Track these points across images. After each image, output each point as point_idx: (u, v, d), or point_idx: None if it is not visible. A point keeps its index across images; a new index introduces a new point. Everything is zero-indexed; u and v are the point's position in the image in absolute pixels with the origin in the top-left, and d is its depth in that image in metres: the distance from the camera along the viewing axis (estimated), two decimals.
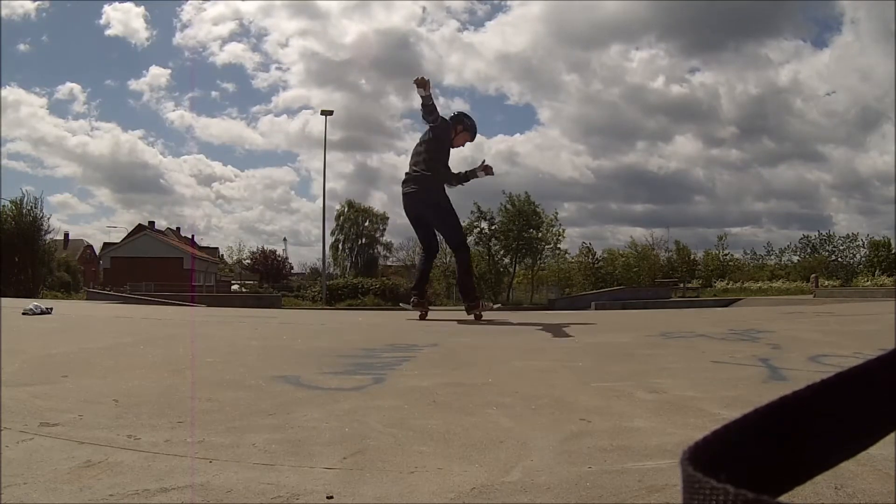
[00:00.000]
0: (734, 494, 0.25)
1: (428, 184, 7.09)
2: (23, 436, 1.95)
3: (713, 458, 0.27)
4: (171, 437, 1.97)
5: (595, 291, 25.80)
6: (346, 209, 40.18)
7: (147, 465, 1.68)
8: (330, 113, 30.99)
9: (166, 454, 1.79)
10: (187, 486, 1.53)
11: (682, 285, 26.81)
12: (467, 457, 1.77)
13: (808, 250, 30.84)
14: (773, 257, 32.70)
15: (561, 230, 29.20)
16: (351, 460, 1.74)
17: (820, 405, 0.30)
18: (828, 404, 0.30)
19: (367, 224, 40.29)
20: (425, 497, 1.48)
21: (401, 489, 1.53)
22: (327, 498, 1.46)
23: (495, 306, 9.27)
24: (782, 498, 0.29)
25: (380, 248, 40.55)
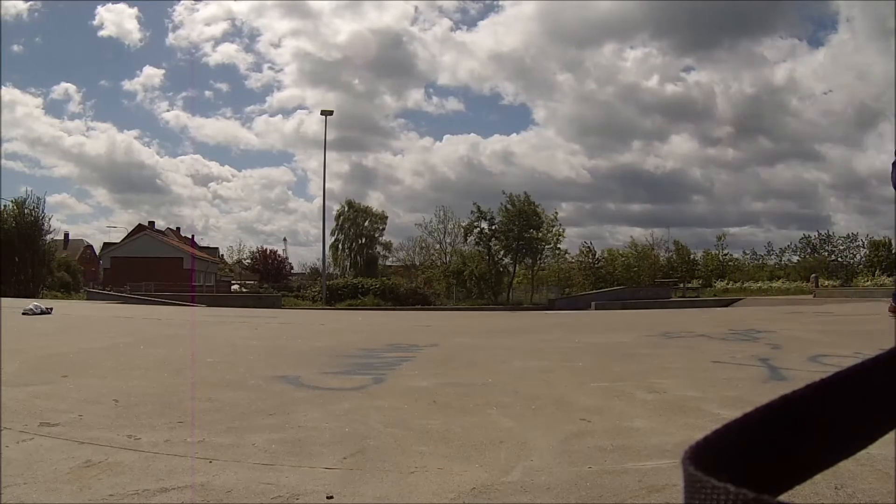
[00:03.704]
0: (734, 493, 0.25)
1: None
2: (23, 436, 1.95)
3: (714, 457, 0.28)
4: (171, 437, 1.97)
5: (595, 291, 25.76)
6: (345, 209, 40.22)
7: (147, 465, 1.68)
8: (330, 113, 30.90)
9: (166, 454, 1.79)
10: (187, 486, 1.53)
11: (682, 285, 26.77)
12: (467, 457, 1.77)
13: (808, 250, 30.84)
14: (773, 257, 32.71)
15: (561, 230, 29.16)
16: (351, 460, 1.75)
17: (820, 404, 0.30)
18: (828, 403, 0.30)
19: (366, 224, 40.30)
20: (425, 497, 1.49)
21: (401, 489, 1.53)
22: (327, 498, 1.47)
23: None
24: (782, 497, 0.29)
25: (379, 248, 40.57)
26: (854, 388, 0.31)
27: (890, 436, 0.33)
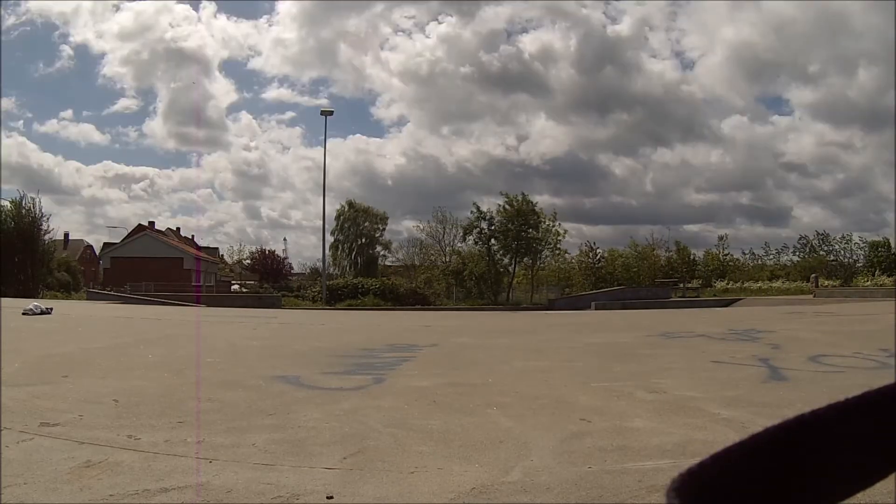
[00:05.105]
0: None
1: None
2: (23, 436, 1.96)
3: (700, 490, 0.27)
4: (171, 437, 1.98)
5: (595, 291, 25.72)
6: (346, 209, 40.24)
7: (147, 465, 1.69)
8: (330, 113, 30.95)
9: (166, 454, 1.80)
10: (187, 486, 1.54)
11: (682, 285, 26.74)
12: (467, 457, 1.77)
13: (808, 250, 30.87)
14: (771, 258, 32.69)
15: (562, 230, 29.09)
16: (351, 460, 1.75)
17: (811, 440, 0.29)
18: (821, 438, 0.29)
19: (366, 224, 40.33)
20: (425, 497, 1.49)
21: (401, 489, 1.53)
22: (327, 498, 1.47)
23: None
24: None
25: (379, 248, 40.58)
26: (851, 422, 0.29)
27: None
